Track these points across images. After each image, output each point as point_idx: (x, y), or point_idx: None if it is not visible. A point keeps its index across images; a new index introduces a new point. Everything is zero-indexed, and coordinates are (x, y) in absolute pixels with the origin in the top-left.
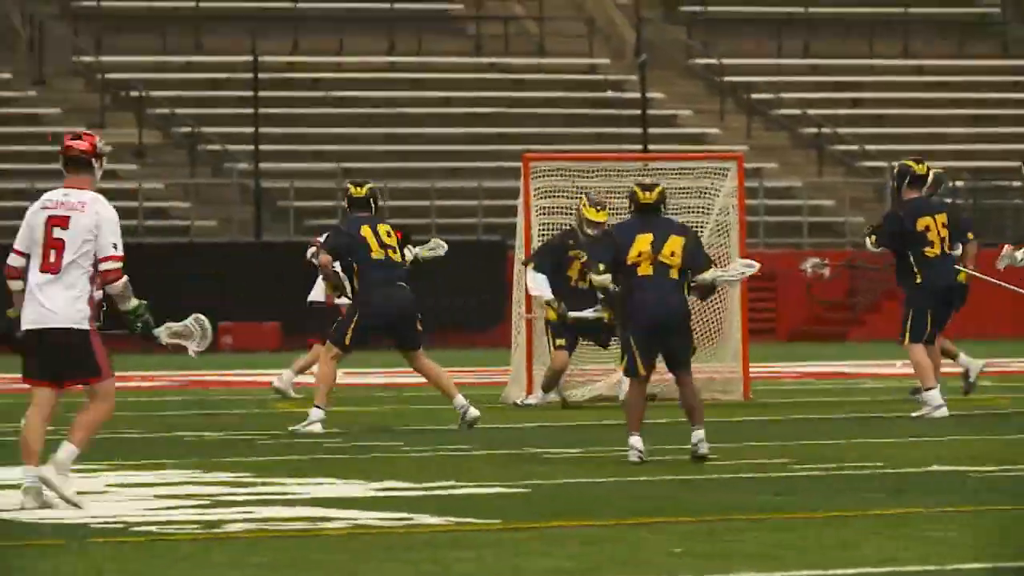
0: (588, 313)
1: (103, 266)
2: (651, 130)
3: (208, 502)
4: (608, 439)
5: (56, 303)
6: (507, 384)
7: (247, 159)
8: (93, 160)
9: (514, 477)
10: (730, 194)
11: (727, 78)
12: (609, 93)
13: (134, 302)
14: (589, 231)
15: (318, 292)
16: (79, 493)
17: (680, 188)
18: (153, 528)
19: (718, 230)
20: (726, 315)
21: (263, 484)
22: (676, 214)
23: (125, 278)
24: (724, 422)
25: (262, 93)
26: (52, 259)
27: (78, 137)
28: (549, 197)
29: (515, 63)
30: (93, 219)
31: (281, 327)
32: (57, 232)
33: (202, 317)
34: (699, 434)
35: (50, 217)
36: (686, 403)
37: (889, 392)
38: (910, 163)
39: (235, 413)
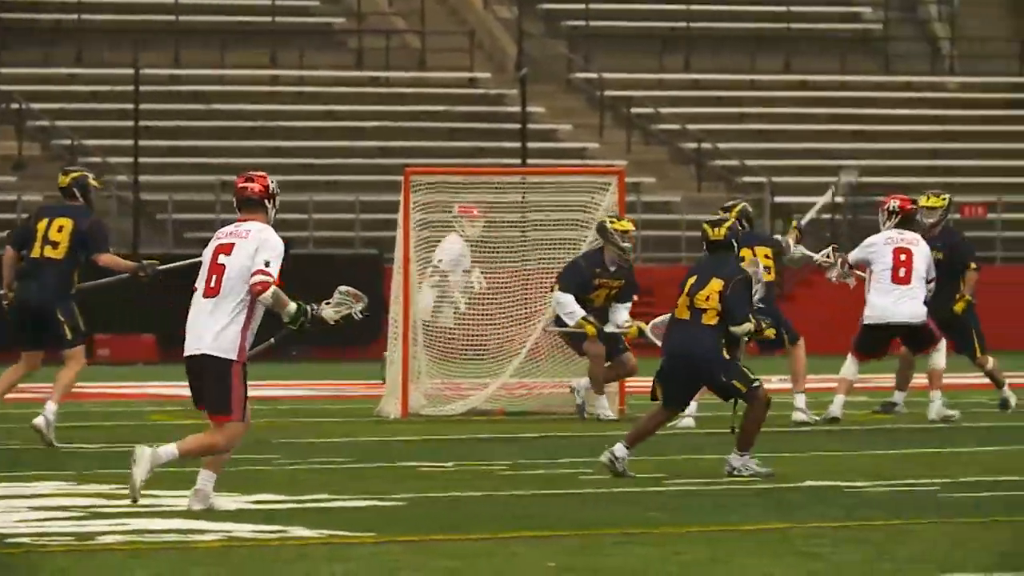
0: (620, 328)
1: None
2: (531, 144)
3: (83, 514)
4: (481, 453)
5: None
6: (381, 398)
7: (127, 172)
8: (266, 201)
9: (388, 490)
10: (609, 209)
11: (607, 93)
12: (490, 107)
13: (292, 306)
14: (624, 244)
15: None
16: None
17: (559, 203)
18: (27, 540)
19: (597, 245)
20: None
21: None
22: (554, 229)
23: (273, 288)
24: (598, 436)
25: (143, 106)
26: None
27: (251, 179)
28: (429, 211)
29: (396, 77)
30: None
31: (157, 340)
32: (221, 259)
33: (343, 288)
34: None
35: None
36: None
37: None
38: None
39: (110, 425)
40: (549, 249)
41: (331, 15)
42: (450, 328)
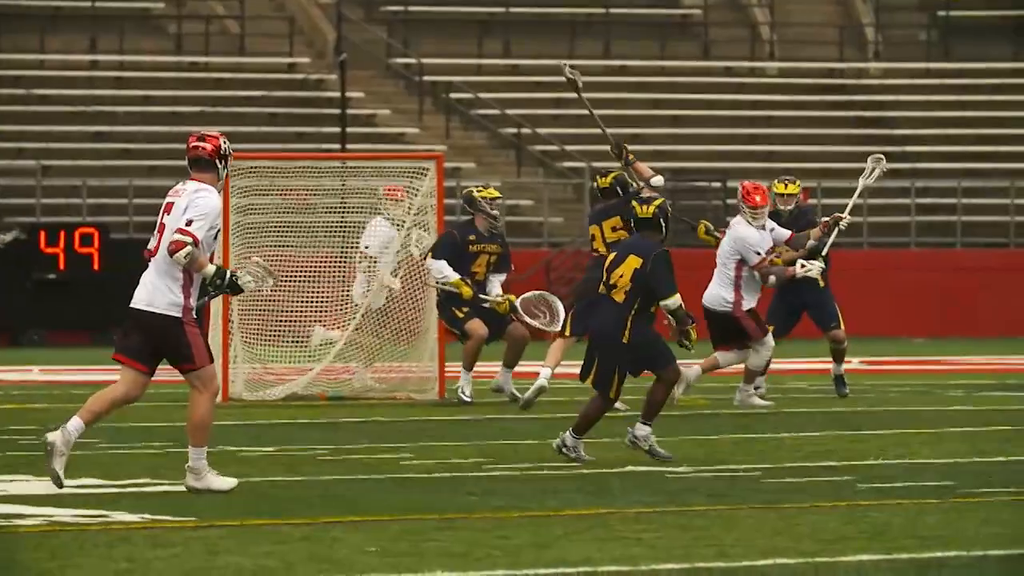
0: (493, 298)
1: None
2: (350, 129)
3: None
4: (303, 438)
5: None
6: None
7: None
8: (217, 161)
9: None
10: (428, 194)
11: (427, 78)
12: (309, 92)
13: (211, 268)
14: (492, 211)
15: None
16: None
17: (377, 188)
18: None
19: (416, 230)
20: (423, 314)
21: None
22: (374, 212)
23: (187, 248)
24: (420, 421)
25: None
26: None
27: (203, 137)
28: (248, 196)
29: (216, 62)
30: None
31: None
32: (164, 218)
33: (258, 260)
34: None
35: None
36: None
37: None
38: None
39: None
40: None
41: (151, 0)
42: (270, 312)
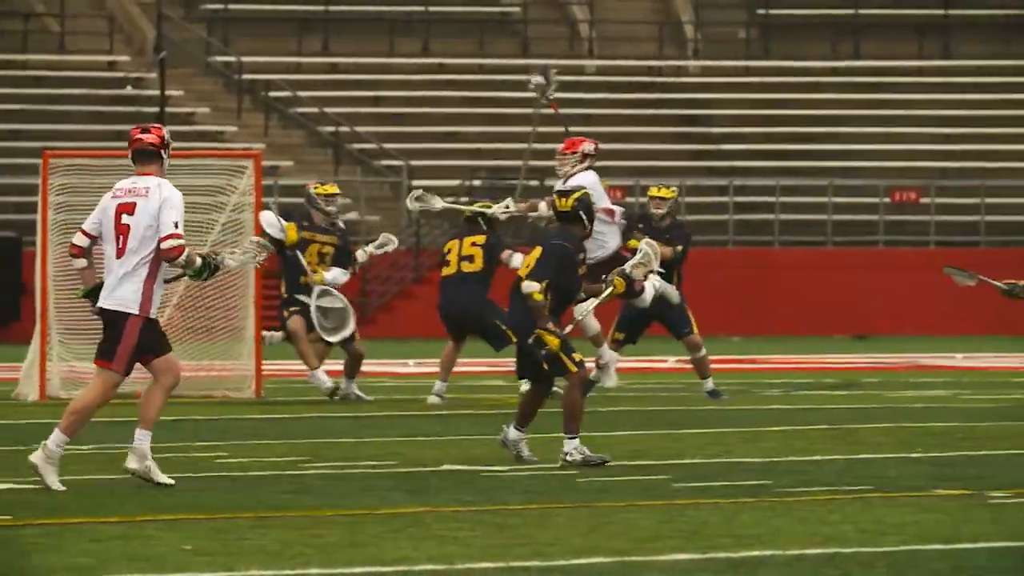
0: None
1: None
2: (169, 128)
3: None
4: (118, 436)
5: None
6: (19, 381)
7: None
8: (162, 151)
9: (23, 473)
10: (245, 192)
11: (245, 76)
12: (129, 90)
13: (199, 262)
14: (328, 207)
15: None
16: None
17: (196, 186)
18: None
19: (232, 228)
20: (241, 312)
21: None
22: (191, 211)
23: (186, 250)
24: (236, 419)
25: None
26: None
27: (147, 129)
28: (68, 194)
29: (35, 59)
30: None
31: None
32: (125, 218)
33: (254, 238)
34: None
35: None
36: None
37: (403, 391)
38: None
39: None
40: (187, 233)
41: None
42: (85, 311)
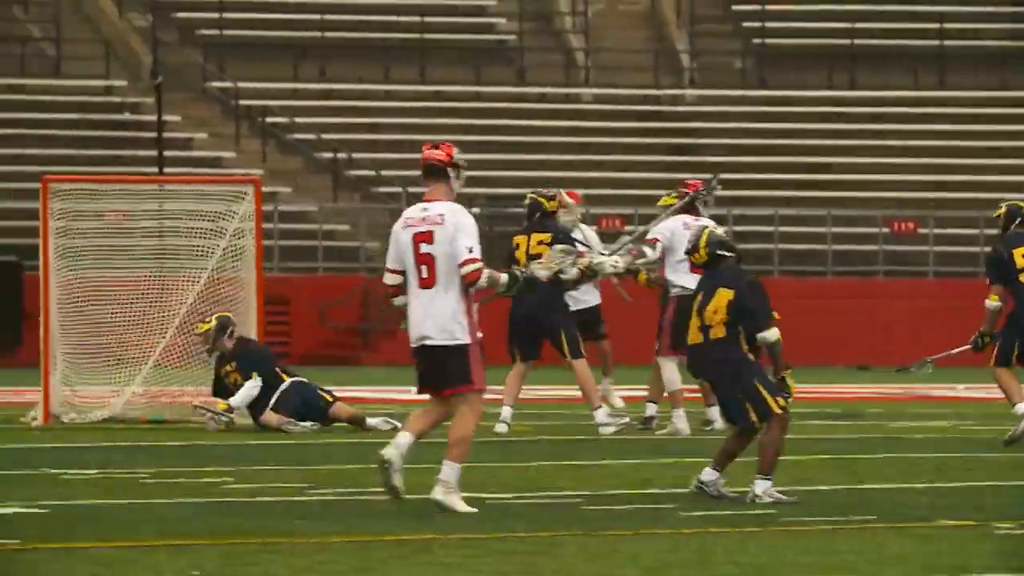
0: None
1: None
2: (167, 153)
3: None
4: (125, 461)
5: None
6: (35, 405)
7: None
8: (450, 169)
9: (32, 497)
10: (245, 218)
11: (243, 102)
12: (126, 115)
13: (505, 278)
14: None
15: None
16: None
17: (196, 211)
18: None
19: (233, 254)
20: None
21: None
22: (188, 237)
23: (486, 272)
24: (243, 445)
25: None
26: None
27: (436, 146)
28: (68, 219)
29: (32, 84)
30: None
31: None
32: (424, 248)
33: (559, 247)
34: None
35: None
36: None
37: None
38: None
39: None
40: (186, 257)
41: None
42: (88, 335)
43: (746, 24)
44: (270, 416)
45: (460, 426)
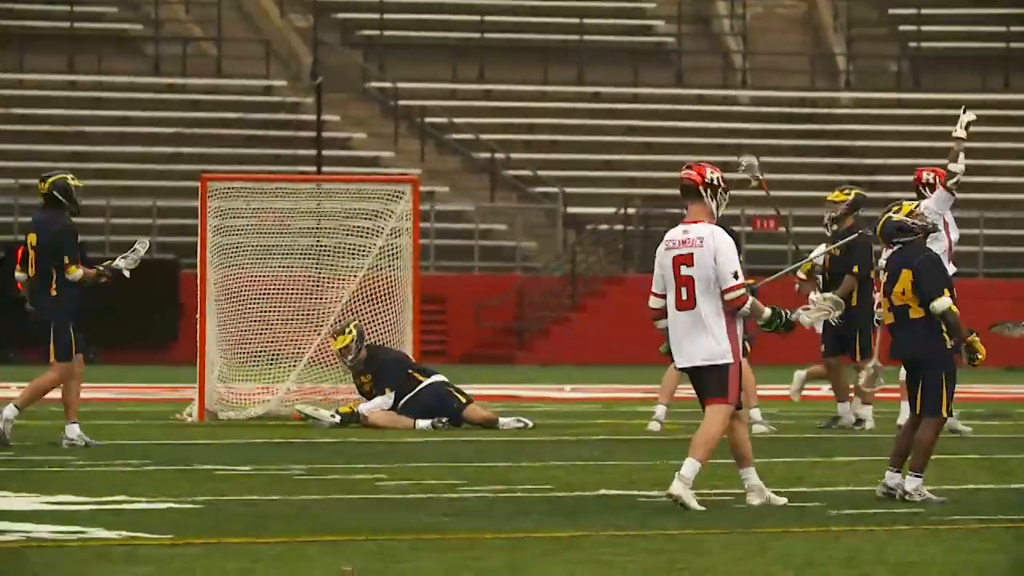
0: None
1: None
2: (326, 152)
3: None
4: (278, 457)
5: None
6: (190, 402)
7: None
8: (703, 189)
9: (186, 493)
10: (402, 217)
11: (401, 102)
12: (285, 115)
13: (767, 312)
14: None
15: None
16: None
17: (354, 209)
18: None
19: (390, 252)
20: (397, 336)
21: None
22: (348, 234)
23: (750, 299)
24: (395, 443)
25: None
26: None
27: (690, 166)
28: (226, 217)
29: (193, 83)
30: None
31: None
32: (684, 270)
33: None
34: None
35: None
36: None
37: (559, 416)
38: None
39: None
40: (343, 256)
41: (128, 21)
42: (245, 332)
43: (902, 28)
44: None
45: (709, 427)
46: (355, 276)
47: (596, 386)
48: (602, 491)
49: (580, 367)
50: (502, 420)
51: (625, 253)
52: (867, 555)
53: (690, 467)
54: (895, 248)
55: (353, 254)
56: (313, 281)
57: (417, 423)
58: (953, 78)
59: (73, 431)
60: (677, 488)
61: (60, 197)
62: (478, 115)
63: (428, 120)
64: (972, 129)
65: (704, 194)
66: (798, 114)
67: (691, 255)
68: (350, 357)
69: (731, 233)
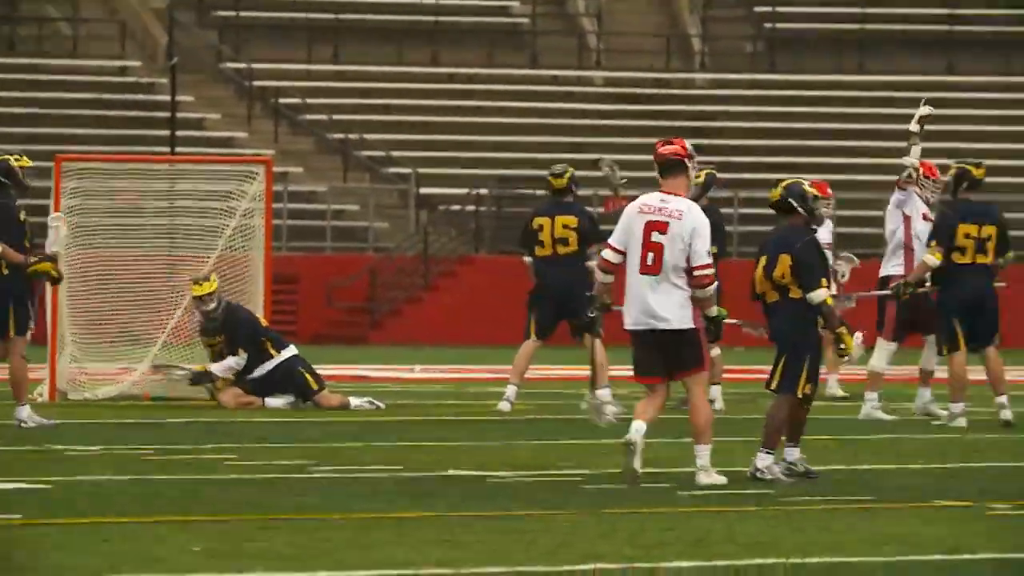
0: None
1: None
2: (180, 133)
3: None
4: (128, 438)
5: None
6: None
7: None
8: (688, 162)
9: (35, 473)
10: (255, 198)
11: (256, 83)
12: (140, 96)
13: (715, 310)
14: None
15: None
16: None
17: (207, 191)
18: None
19: (242, 233)
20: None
21: None
22: (201, 216)
23: (715, 283)
24: (245, 423)
25: None
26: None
27: (670, 141)
28: (79, 197)
29: (48, 64)
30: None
31: None
32: (656, 236)
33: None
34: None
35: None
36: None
37: (409, 396)
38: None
39: None
40: (196, 237)
41: None
42: (98, 312)
43: (758, 9)
44: (228, 395)
45: (701, 410)
46: (209, 257)
47: (446, 366)
48: (451, 471)
49: (433, 348)
50: (354, 401)
51: (477, 234)
52: (716, 535)
53: (704, 455)
54: (776, 232)
55: (207, 235)
56: (167, 262)
57: (267, 401)
58: (808, 60)
59: None
60: (703, 479)
61: (2, 178)
62: (332, 96)
63: (282, 101)
64: (830, 109)
65: (689, 166)
66: (653, 95)
67: (667, 224)
68: (212, 306)
69: (718, 216)
